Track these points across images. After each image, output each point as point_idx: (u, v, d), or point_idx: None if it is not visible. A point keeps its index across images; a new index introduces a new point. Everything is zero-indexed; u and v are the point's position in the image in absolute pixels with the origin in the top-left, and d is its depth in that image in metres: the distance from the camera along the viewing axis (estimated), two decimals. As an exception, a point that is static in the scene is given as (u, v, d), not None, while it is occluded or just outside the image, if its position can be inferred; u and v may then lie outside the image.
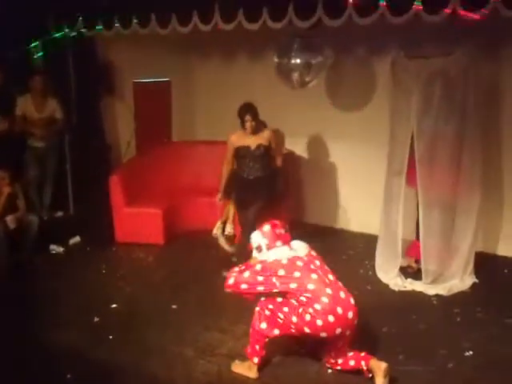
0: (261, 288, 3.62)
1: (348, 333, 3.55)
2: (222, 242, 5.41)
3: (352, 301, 3.58)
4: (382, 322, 4.34)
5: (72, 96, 6.58)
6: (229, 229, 6.03)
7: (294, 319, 3.54)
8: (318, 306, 3.46)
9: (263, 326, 3.64)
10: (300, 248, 3.76)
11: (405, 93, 4.86)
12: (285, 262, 3.62)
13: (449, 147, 4.82)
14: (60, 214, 6.70)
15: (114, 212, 6.09)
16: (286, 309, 3.58)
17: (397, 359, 3.83)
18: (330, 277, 3.65)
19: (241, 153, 5.16)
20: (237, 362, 3.81)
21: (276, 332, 3.64)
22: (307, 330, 3.52)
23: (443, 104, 4.74)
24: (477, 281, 5.02)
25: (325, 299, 3.48)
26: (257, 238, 3.78)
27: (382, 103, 5.57)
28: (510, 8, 3.84)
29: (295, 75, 5.50)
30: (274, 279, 3.57)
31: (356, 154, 6.34)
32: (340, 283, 3.66)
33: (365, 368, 3.59)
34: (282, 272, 3.58)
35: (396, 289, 4.98)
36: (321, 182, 6.78)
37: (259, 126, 5.21)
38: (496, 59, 5.32)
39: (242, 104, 5.14)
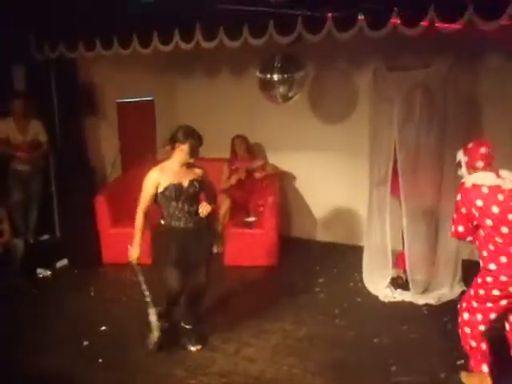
0: (462, 225, 3.39)
1: None
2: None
3: None
4: (372, 333, 4.35)
5: (55, 118, 6.55)
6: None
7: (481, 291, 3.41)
8: (492, 266, 3.29)
9: (465, 316, 3.57)
10: (508, 179, 3.33)
11: (386, 102, 4.91)
12: (485, 190, 3.28)
13: (431, 156, 4.88)
14: (46, 237, 6.62)
15: (100, 233, 6.06)
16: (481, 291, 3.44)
17: (389, 370, 3.84)
18: None
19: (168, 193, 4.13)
20: (466, 373, 3.64)
21: (479, 317, 3.48)
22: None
23: (424, 114, 4.81)
24: (465, 288, 5.04)
25: (503, 259, 3.26)
26: (459, 153, 3.51)
27: (363, 115, 5.61)
28: (485, 20, 3.90)
29: (278, 90, 5.54)
30: (473, 210, 3.29)
31: (341, 165, 6.38)
32: None
33: None
34: (480, 203, 3.28)
35: (386, 300, 4.99)
36: (306, 194, 6.81)
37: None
38: (474, 70, 5.40)
39: (184, 126, 4.15)
